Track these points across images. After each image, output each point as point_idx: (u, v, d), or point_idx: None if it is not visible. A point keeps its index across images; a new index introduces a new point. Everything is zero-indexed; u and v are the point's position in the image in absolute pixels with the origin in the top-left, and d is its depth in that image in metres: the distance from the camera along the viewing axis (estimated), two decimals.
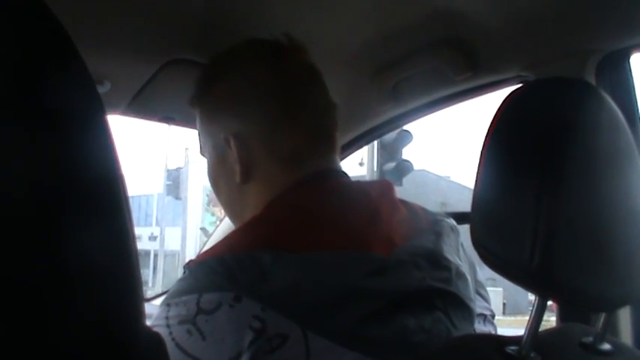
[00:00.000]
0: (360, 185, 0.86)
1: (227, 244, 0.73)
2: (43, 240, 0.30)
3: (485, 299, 0.90)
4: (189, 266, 0.70)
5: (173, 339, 0.63)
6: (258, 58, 0.87)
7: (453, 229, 0.82)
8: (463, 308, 0.74)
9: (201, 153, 0.94)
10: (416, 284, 0.70)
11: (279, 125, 0.83)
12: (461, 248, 0.82)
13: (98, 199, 0.33)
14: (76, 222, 0.32)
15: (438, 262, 0.74)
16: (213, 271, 0.66)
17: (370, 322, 0.65)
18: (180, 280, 0.70)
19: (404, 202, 0.85)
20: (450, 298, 0.73)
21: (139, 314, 0.36)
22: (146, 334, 0.39)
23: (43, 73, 0.32)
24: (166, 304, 0.67)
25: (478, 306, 0.82)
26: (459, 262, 0.78)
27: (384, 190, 0.83)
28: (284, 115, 0.83)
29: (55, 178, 0.31)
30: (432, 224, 0.81)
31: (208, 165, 0.92)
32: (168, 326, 0.64)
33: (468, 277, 0.78)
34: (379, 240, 0.73)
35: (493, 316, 0.90)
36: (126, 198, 0.35)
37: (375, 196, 0.80)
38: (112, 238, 0.34)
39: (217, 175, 0.91)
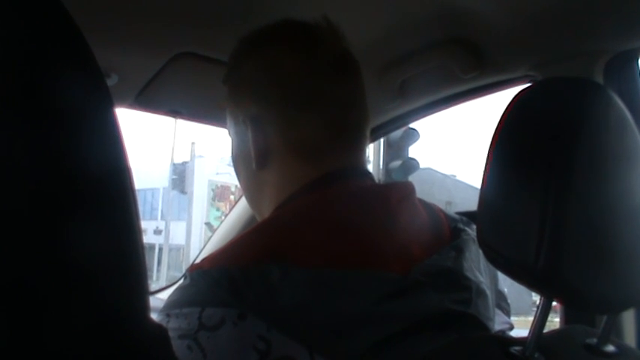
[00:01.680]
0: (379, 189, 0.81)
1: (233, 252, 0.69)
2: (51, 233, 0.30)
3: (506, 311, 0.88)
4: (191, 272, 0.66)
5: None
6: (287, 40, 0.81)
7: (474, 240, 0.77)
8: (481, 330, 0.71)
9: (228, 132, 0.90)
10: (433, 307, 0.66)
11: (298, 114, 0.78)
12: (482, 259, 0.78)
13: (105, 193, 0.34)
14: (83, 215, 0.32)
15: (457, 281, 0.70)
16: (217, 284, 0.62)
17: (383, 347, 0.61)
18: (181, 288, 0.66)
19: (425, 206, 0.81)
20: (468, 320, 0.69)
21: (144, 307, 0.36)
22: (151, 326, 0.39)
23: (52, 65, 0.32)
24: (166, 314, 0.63)
25: (497, 322, 0.79)
26: (480, 279, 0.74)
27: (406, 194, 0.78)
28: (304, 104, 0.78)
29: (63, 170, 0.31)
30: (452, 236, 0.77)
31: (231, 147, 0.88)
32: None
33: (489, 293, 0.75)
34: (396, 255, 0.69)
35: (511, 328, 0.87)
36: (133, 191, 0.35)
37: (395, 203, 0.75)
38: (119, 232, 0.34)
39: (237, 158, 0.87)
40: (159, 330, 0.41)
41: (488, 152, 0.62)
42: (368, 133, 0.84)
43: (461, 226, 0.80)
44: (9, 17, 0.31)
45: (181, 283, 0.66)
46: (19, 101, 0.30)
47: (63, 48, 0.33)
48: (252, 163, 0.80)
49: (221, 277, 0.62)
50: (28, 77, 0.31)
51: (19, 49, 0.31)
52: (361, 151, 0.82)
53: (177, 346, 0.59)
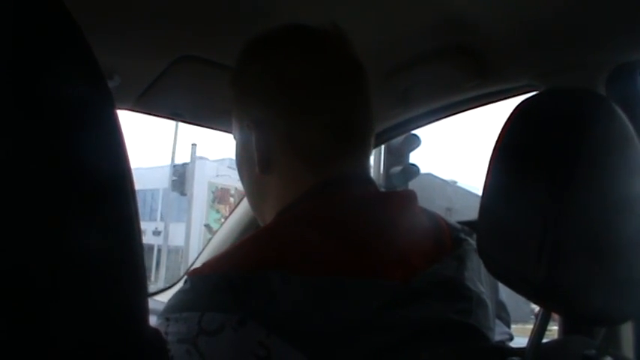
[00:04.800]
0: (381, 197, 0.81)
1: (234, 258, 0.68)
2: (49, 235, 0.30)
3: (506, 322, 0.88)
4: (191, 277, 0.66)
5: (171, 357, 0.59)
6: (294, 45, 0.81)
7: (476, 250, 0.74)
8: (480, 340, 0.70)
9: (233, 136, 0.89)
10: (434, 317, 0.66)
11: (301, 119, 0.77)
12: (483, 269, 0.76)
13: (105, 194, 0.33)
14: (82, 218, 0.32)
15: (458, 291, 0.70)
16: (217, 289, 0.62)
17: (382, 356, 0.60)
18: (181, 292, 0.65)
19: (427, 214, 0.81)
20: (468, 330, 0.68)
21: (143, 313, 0.36)
22: (149, 332, 0.38)
23: (52, 65, 0.32)
24: (165, 317, 0.63)
25: (497, 332, 0.79)
26: (481, 289, 0.74)
27: (407, 202, 0.78)
28: (309, 109, 0.77)
29: (63, 171, 0.31)
30: (454, 245, 0.77)
31: (235, 149, 0.88)
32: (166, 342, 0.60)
33: (489, 304, 0.74)
34: (397, 263, 0.68)
35: (511, 338, 0.87)
36: (133, 193, 0.35)
37: (397, 211, 0.75)
38: (119, 235, 0.34)
39: (241, 161, 0.86)
40: (157, 337, 0.41)
41: (490, 161, 0.62)
42: (372, 140, 0.84)
43: (463, 235, 0.79)
44: (11, 17, 0.31)
45: (181, 288, 0.66)
46: (16, 101, 0.30)
47: (62, 48, 0.33)
48: (255, 167, 0.80)
49: (221, 283, 0.62)
50: (25, 78, 0.30)
51: (21, 48, 0.31)
52: (365, 157, 0.82)
53: (176, 350, 0.59)
